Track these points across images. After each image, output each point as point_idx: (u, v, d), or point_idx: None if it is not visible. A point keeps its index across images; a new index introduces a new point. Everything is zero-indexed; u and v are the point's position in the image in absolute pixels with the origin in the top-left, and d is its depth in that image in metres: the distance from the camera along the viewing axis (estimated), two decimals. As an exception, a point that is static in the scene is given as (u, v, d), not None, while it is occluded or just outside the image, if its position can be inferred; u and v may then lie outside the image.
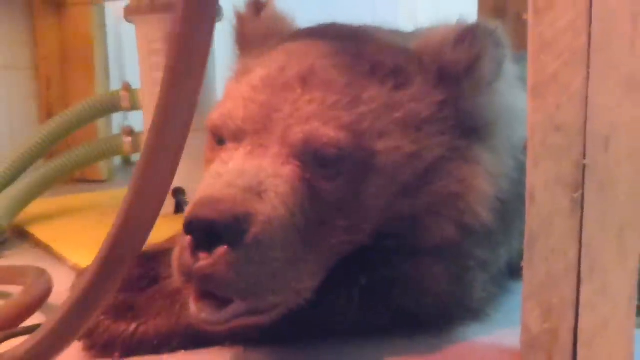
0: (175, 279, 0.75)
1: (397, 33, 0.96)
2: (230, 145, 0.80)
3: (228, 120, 0.81)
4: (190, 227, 0.69)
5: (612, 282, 0.58)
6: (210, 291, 0.72)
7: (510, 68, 0.88)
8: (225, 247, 0.69)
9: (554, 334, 0.60)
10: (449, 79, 0.83)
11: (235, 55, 1.02)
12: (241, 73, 0.89)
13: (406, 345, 0.84)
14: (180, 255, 0.72)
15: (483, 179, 0.84)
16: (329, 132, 0.76)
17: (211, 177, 0.75)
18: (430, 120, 0.82)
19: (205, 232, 0.69)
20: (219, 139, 0.84)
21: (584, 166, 0.57)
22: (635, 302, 0.58)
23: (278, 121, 0.78)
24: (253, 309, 0.74)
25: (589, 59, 0.55)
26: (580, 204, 0.57)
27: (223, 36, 0.99)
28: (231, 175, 0.73)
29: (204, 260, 0.69)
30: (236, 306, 0.72)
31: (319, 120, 0.77)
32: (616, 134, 0.55)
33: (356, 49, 0.84)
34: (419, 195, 0.82)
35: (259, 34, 0.96)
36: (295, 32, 0.95)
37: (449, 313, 0.89)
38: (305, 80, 0.79)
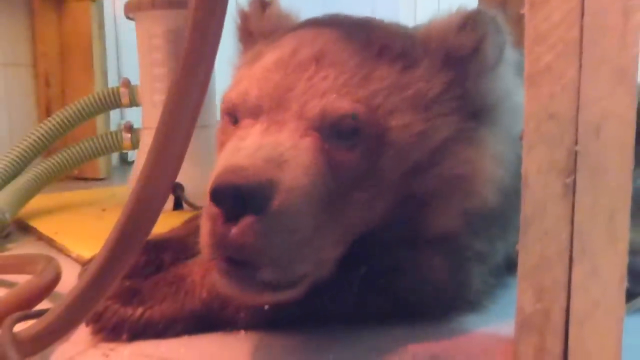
0: (204, 254, 0.75)
1: (400, 25, 0.98)
2: (246, 122, 0.82)
3: (245, 97, 0.83)
4: (216, 194, 0.70)
5: (602, 265, 0.60)
6: (237, 263, 0.73)
7: (511, 55, 0.90)
8: (252, 215, 0.69)
9: (546, 314, 0.62)
10: (454, 61, 0.86)
11: (239, 51, 1.04)
12: (252, 59, 0.91)
13: (404, 333, 0.86)
14: (211, 227, 0.72)
15: (488, 161, 0.86)
16: (345, 105, 0.79)
17: (229, 152, 0.77)
18: (437, 100, 0.84)
19: (233, 198, 0.69)
20: (234, 118, 0.86)
21: (576, 153, 0.59)
22: (625, 284, 0.60)
23: (293, 98, 0.80)
24: (283, 280, 0.75)
25: (581, 51, 0.58)
26: (572, 189, 0.59)
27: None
28: (250, 149, 0.75)
29: (236, 229, 0.70)
30: (263, 276, 0.73)
31: (334, 94, 0.79)
32: (607, 122, 0.58)
33: (364, 34, 0.86)
34: (428, 176, 0.84)
35: (264, 31, 0.98)
36: (302, 22, 0.97)
37: (447, 303, 0.91)
38: (317, 60, 0.82)
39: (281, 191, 0.71)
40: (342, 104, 0.79)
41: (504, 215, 0.90)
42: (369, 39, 0.86)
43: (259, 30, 0.99)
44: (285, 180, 0.72)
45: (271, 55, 0.86)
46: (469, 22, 0.86)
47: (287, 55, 0.84)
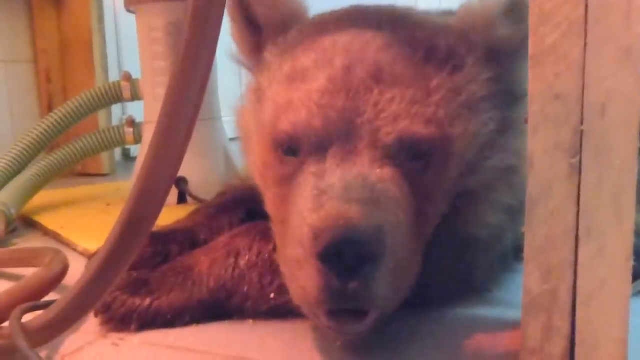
0: (309, 307, 0.73)
1: (427, 13, 0.97)
2: (313, 157, 0.78)
3: (307, 130, 0.78)
4: (332, 254, 0.67)
5: (609, 244, 0.60)
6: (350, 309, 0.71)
7: None
8: (369, 264, 0.68)
9: (553, 294, 0.62)
10: (501, 54, 0.85)
11: (241, 45, 1.00)
12: (290, 77, 0.85)
13: (410, 319, 0.87)
14: (325, 284, 0.68)
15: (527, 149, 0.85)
16: (419, 129, 0.77)
17: (312, 194, 0.73)
18: (485, 97, 0.83)
19: (351, 256, 0.67)
20: (291, 150, 0.81)
21: (582, 132, 0.59)
22: (632, 263, 0.60)
23: (364, 125, 0.77)
24: (386, 312, 0.74)
25: (586, 30, 0.58)
26: (578, 169, 0.60)
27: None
28: (338, 189, 0.72)
29: (355, 282, 0.67)
30: (374, 313, 0.72)
31: (406, 118, 0.77)
32: (612, 101, 0.58)
33: (407, 36, 0.83)
34: (479, 171, 0.84)
35: (272, 22, 0.94)
36: (326, 19, 0.92)
37: (453, 290, 0.91)
38: (377, 79, 0.78)
39: (388, 233, 0.70)
40: (417, 129, 0.77)
41: (511, 201, 0.89)
42: (413, 40, 0.83)
43: (265, 20, 0.95)
44: (388, 220, 0.71)
45: (319, 74, 0.81)
46: (515, 8, 0.83)
47: (340, 73, 0.80)
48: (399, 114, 0.77)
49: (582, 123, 0.59)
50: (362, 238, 0.67)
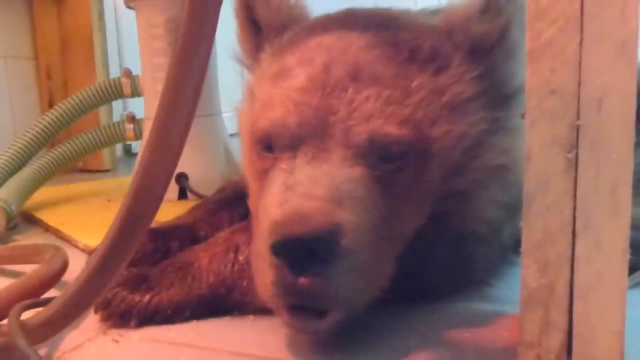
0: (266, 301, 0.75)
1: (413, 12, 0.97)
2: (286, 153, 0.79)
3: (281, 127, 0.79)
4: (282, 249, 0.68)
5: (605, 238, 0.60)
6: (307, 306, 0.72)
7: None
8: (320, 263, 0.68)
9: (550, 288, 0.63)
10: (482, 51, 0.84)
11: (244, 48, 1.01)
12: (276, 74, 0.86)
13: (410, 313, 0.88)
14: (276, 277, 0.70)
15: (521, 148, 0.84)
16: (391, 130, 0.77)
17: (279, 189, 0.74)
18: (470, 97, 0.82)
19: (300, 252, 0.68)
20: (267, 146, 0.82)
21: (578, 127, 0.59)
22: (628, 257, 0.60)
23: (337, 124, 0.77)
24: (349, 313, 0.75)
25: (582, 25, 0.58)
26: (574, 164, 0.60)
27: (223, 21, 1.00)
28: (304, 186, 0.73)
29: (305, 279, 0.68)
30: (335, 314, 0.73)
31: (379, 118, 0.77)
32: (608, 96, 0.58)
33: (392, 37, 0.83)
34: (469, 170, 0.83)
35: (273, 24, 0.95)
36: (319, 21, 0.93)
37: (452, 283, 0.92)
38: (354, 77, 0.79)
39: (346, 233, 0.70)
40: (389, 129, 0.76)
41: (509, 193, 0.89)
42: (397, 41, 0.83)
43: (266, 22, 0.95)
44: (349, 219, 0.71)
45: (300, 72, 0.82)
46: (491, 4, 0.83)
47: (319, 72, 0.80)
48: (372, 114, 0.77)
49: (578, 118, 0.59)
50: (314, 235, 0.68)
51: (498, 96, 0.85)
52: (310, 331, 0.75)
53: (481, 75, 0.83)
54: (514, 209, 0.85)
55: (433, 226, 0.84)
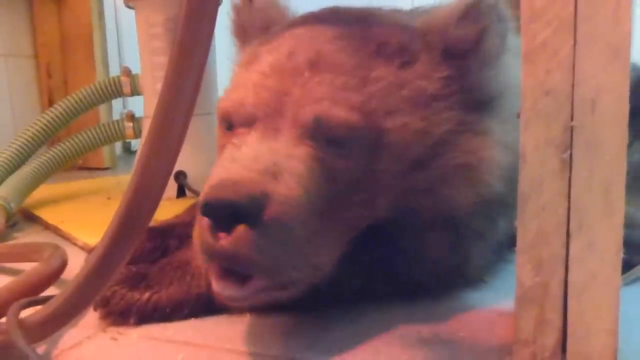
0: (198, 258, 0.77)
1: (401, 12, 0.98)
2: (240, 130, 0.82)
3: (239, 106, 0.82)
4: (207, 209, 0.71)
5: (599, 238, 0.61)
6: (232, 269, 0.74)
7: (515, 41, 0.90)
8: (244, 226, 0.70)
9: (545, 287, 0.63)
10: (455, 55, 0.85)
11: (235, 46, 1.03)
12: (248, 61, 0.90)
13: (406, 311, 0.88)
14: (200, 235, 0.74)
15: (494, 149, 0.86)
16: (339, 113, 0.78)
17: (225, 161, 0.77)
18: (437, 96, 0.83)
19: (223, 213, 0.70)
20: (228, 124, 0.86)
21: (572, 128, 0.60)
22: (621, 256, 0.61)
23: (289, 104, 0.79)
24: (274, 285, 0.76)
25: (576, 27, 0.58)
26: (568, 164, 0.60)
27: (222, 21, 1.01)
28: (246, 159, 0.75)
29: (225, 240, 0.70)
30: (257, 282, 0.74)
31: (328, 100, 0.78)
32: (602, 97, 0.58)
33: (362, 31, 0.85)
34: (431, 168, 0.83)
35: (256, 25, 0.98)
36: (300, 17, 0.96)
37: (447, 280, 0.92)
38: (313, 64, 0.81)
39: (274, 202, 0.72)
40: (335, 112, 0.78)
41: (505, 193, 0.90)
42: (367, 36, 0.84)
43: (250, 24, 0.99)
44: (279, 191, 0.73)
45: (267, 58, 0.85)
46: (470, 12, 0.84)
47: (283, 58, 0.83)
48: (323, 97, 0.78)
49: (572, 119, 0.60)
50: (239, 199, 0.70)
51: (469, 100, 0.85)
52: (230, 297, 0.76)
53: (451, 77, 0.84)
54: (484, 206, 0.88)
55: (401, 221, 0.85)
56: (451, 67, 0.84)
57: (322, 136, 0.78)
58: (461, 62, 0.85)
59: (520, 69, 0.88)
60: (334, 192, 0.78)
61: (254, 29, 0.98)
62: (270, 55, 0.85)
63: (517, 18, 0.84)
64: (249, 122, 0.81)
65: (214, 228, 0.71)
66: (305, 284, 0.79)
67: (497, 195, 0.87)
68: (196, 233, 0.76)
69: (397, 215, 0.84)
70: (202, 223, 0.73)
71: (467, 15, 0.84)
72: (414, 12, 0.99)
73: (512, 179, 0.86)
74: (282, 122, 0.79)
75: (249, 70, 0.86)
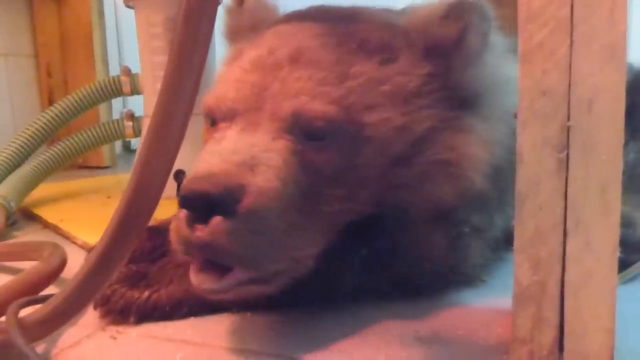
0: (176, 250, 0.78)
1: (387, 10, 0.98)
2: (222, 124, 0.83)
3: (220, 101, 0.84)
4: (183, 200, 0.72)
5: (595, 237, 0.61)
6: (211, 261, 0.75)
7: (498, 40, 0.91)
8: (220, 217, 0.71)
9: (542, 286, 0.64)
10: (436, 53, 0.86)
11: (227, 47, 1.04)
12: (232, 58, 0.92)
13: (404, 309, 0.88)
14: (177, 228, 0.75)
15: (476, 146, 0.86)
16: (316, 106, 0.79)
17: (205, 154, 0.78)
18: (418, 92, 0.84)
19: (199, 204, 0.71)
20: (212, 120, 0.87)
21: (569, 128, 0.60)
22: (618, 255, 0.61)
23: (268, 99, 0.80)
24: (254, 278, 0.77)
25: (572, 28, 0.59)
26: (565, 164, 0.61)
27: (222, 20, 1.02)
28: (225, 152, 0.76)
29: (201, 231, 0.71)
30: (237, 274, 0.75)
31: (307, 95, 0.79)
32: (598, 97, 0.59)
33: (344, 28, 0.86)
34: (413, 164, 0.84)
35: (245, 25, 0.99)
36: (286, 15, 0.97)
37: (446, 278, 0.93)
38: (293, 59, 0.82)
39: (250, 194, 0.73)
40: (313, 106, 0.79)
41: (501, 189, 0.91)
42: (348, 32, 0.86)
43: (239, 25, 1.00)
44: (256, 183, 0.74)
45: (249, 55, 0.86)
46: (452, 11, 0.85)
47: (264, 54, 0.84)
48: (301, 91, 0.80)
49: (569, 119, 0.60)
50: (215, 190, 0.71)
51: (452, 97, 0.86)
52: (208, 289, 0.76)
53: (433, 75, 0.85)
54: (478, 202, 0.90)
55: (386, 216, 0.86)
56: (433, 65, 0.85)
57: (300, 130, 0.79)
58: (443, 60, 0.86)
59: (506, 67, 0.90)
60: (313, 185, 0.79)
61: (244, 30, 0.99)
62: (252, 52, 0.87)
63: (502, 17, 0.86)
64: (230, 117, 0.82)
65: (190, 219, 0.72)
66: (287, 277, 0.80)
67: (483, 191, 0.88)
68: (173, 225, 0.77)
69: (383, 212, 0.85)
70: (180, 215, 0.74)
71: (449, 13, 0.85)
72: (403, 12, 0.99)
73: (501, 176, 0.89)
74: (261, 116, 0.80)
75: (232, 66, 0.88)
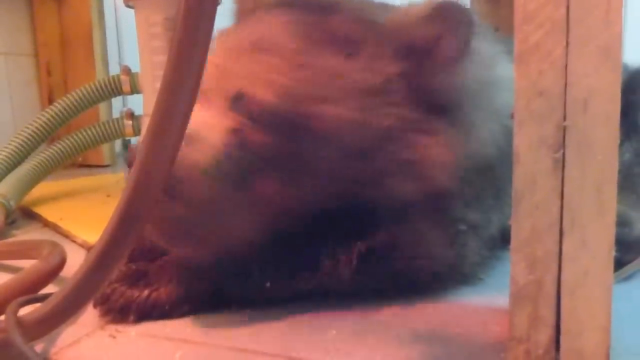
0: None
1: (378, 6, 0.98)
2: None
3: None
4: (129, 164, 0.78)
5: (591, 236, 0.61)
6: None
7: (487, 44, 0.91)
8: None
9: (539, 285, 0.64)
10: (409, 53, 0.85)
11: None
12: (217, 39, 0.93)
13: (402, 308, 0.89)
14: None
15: (442, 149, 0.86)
16: (257, 91, 0.82)
17: None
18: (379, 90, 0.84)
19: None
20: None
21: (565, 128, 0.60)
22: (613, 254, 0.62)
23: (223, 79, 0.84)
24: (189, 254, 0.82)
25: (568, 29, 0.59)
26: (561, 163, 0.61)
27: (222, 20, 1.03)
28: None
29: None
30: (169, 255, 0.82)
31: (253, 79, 0.82)
32: (593, 97, 0.59)
33: (318, 19, 0.87)
34: (373, 160, 0.85)
35: (247, 7, 0.99)
36: (274, 2, 0.97)
37: (444, 276, 0.93)
38: (256, 45, 0.84)
39: (180, 167, 0.76)
40: (254, 90, 0.82)
41: (495, 185, 0.92)
42: (321, 23, 0.86)
43: (242, 8, 1.02)
44: (189, 156, 0.78)
45: (220, 40, 0.89)
46: (433, 13, 0.84)
47: (233, 40, 0.88)
48: (250, 75, 0.83)
49: (565, 119, 0.60)
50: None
51: (422, 100, 0.86)
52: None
53: (402, 74, 0.85)
54: (480, 192, 0.91)
55: (357, 210, 0.86)
56: (403, 65, 0.85)
57: (242, 110, 0.82)
58: (415, 62, 0.85)
59: (497, 67, 0.90)
60: (252, 165, 0.82)
61: (246, 12, 0.99)
62: (224, 37, 0.90)
63: (492, 26, 0.86)
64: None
65: None
66: (220, 260, 0.85)
67: (483, 182, 0.91)
68: None
69: (352, 206, 0.86)
70: None
71: (430, 16, 0.84)
72: (391, 8, 0.99)
73: (489, 176, 0.91)
74: (215, 95, 0.84)
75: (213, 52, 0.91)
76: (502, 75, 0.91)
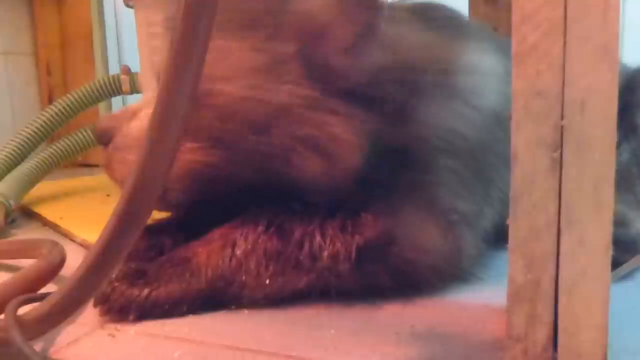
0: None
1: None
2: None
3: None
4: (93, 132, 0.96)
5: (589, 235, 0.62)
6: None
7: (405, 29, 0.94)
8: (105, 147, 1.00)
9: (536, 284, 0.64)
10: (307, 34, 0.87)
11: None
12: None
13: (401, 305, 0.90)
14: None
15: (345, 127, 0.88)
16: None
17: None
18: (272, 69, 0.87)
19: (96, 137, 1.04)
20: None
21: (562, 128, 0.61)
22: (611, 253, 0.62)
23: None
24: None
25: (565, 29, 0.59)
26: (559, 163, 0.61)
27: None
28: (134, 104, 1.03)
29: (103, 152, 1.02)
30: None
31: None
32: (591, 97, 0.59)
33: (277, 6, 0.90)
34: (271, 135, 0.88)
35: None
36: None
37: (442, 272, 0.93)
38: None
39: (118, 134, 0.99)
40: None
41: (484, 176, 0.92)
42: (237, 5, 0.90)
43: None
44: (124, 128, 1.00)
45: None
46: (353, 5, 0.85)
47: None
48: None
49: (562, 118, 0.61)
50: (99, 130, 1.04)
51: (320, 80, 0.88)
52: None
53: (299, 54, 0.87)
54: (466, 180, 0.93)
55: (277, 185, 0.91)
56: (300, 45, 0.87)
57: None
58: (315, 43, 0.87)
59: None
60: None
61: None
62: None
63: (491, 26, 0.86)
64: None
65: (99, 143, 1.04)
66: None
67: (467, 170, 0.93)
68: None
69: (269, 179, 0.90)
70: None
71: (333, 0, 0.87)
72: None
73: (472, 163, 0.94)
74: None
75: None
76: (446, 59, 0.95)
